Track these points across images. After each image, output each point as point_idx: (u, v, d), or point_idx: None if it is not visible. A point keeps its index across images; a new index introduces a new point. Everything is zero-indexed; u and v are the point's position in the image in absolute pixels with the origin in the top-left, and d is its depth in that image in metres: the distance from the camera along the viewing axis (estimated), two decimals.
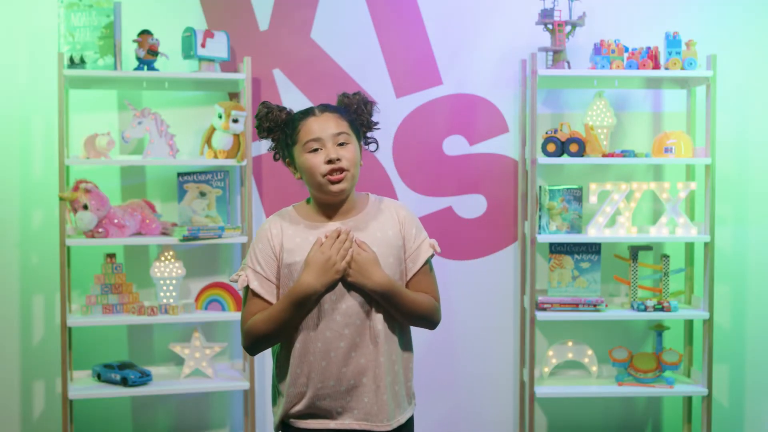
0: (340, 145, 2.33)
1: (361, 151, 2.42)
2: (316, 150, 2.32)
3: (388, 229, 2.39)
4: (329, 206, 2.37)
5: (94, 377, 3.95)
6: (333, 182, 2.32)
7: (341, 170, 2.31)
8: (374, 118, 2.43)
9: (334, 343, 2.33)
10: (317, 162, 2.31)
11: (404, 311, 2.37)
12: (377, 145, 2.47)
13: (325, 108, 2.37)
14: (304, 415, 2.39)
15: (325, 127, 2.33)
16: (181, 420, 4.20)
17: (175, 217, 4.06)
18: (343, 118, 2.36)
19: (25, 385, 4.11)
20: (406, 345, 2.44)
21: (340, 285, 2.33)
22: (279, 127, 2.38)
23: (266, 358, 4.20)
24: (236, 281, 2.38)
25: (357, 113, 2.40)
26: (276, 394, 2.44)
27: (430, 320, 2.44)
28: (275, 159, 2.43)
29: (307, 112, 2.36)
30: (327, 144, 2.31)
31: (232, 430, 4.22)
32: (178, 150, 3.92)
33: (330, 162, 2.31)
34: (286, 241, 2.35)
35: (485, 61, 4.23)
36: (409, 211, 2.46)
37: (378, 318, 2.35)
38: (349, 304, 2.34)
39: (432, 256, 2.44)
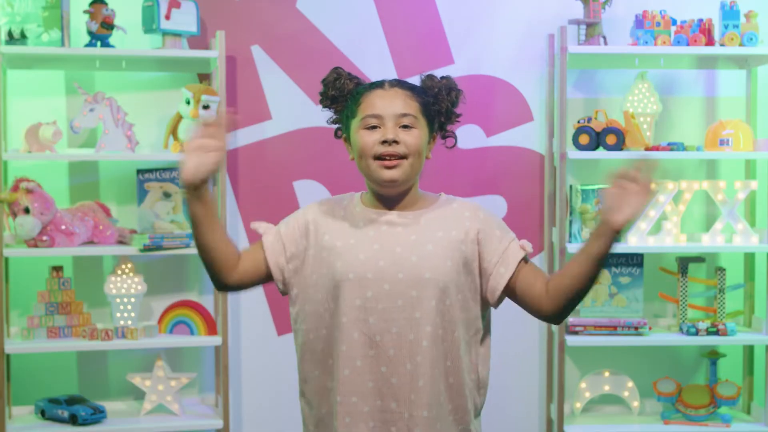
0: (404, 127, 2.28)
1: (433, 142, 2.38)
2: (373, 128, 2.28)
3: (452, 230, 2.33)
4: (386, 196, 2.34)
5: (37, 414, 3.86)
6: (385, 167, 2.26)
7: (397, 156, 2.26)
8: (458, 110, 2.39)
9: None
10: (371, 141, 2.26)
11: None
12: (456, 140, 2.43)
13: (396, 83, 2.34)
14: None
15: (391, 104, 2.28)
16: None
17: (134, 222, 3.98)
18: (414, 99, 2.31)
19: None
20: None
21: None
22: (344, 97, 2.37)
23: (243, 393, 4.05)
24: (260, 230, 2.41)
25: (437, 98, 2.36)
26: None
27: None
28: (336, 136, 2.42)
29: (375, 85, 2.34)
30: (387, 123, 2.27)
31: None
32: (137, 142, 3.84)
33: (385, 143, 2.25)
34: (325, 219, 2.37)
35: (505, 36, 4.12)
36: (489, 212, 2.42)
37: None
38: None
39: (524, 258, 2.37)
